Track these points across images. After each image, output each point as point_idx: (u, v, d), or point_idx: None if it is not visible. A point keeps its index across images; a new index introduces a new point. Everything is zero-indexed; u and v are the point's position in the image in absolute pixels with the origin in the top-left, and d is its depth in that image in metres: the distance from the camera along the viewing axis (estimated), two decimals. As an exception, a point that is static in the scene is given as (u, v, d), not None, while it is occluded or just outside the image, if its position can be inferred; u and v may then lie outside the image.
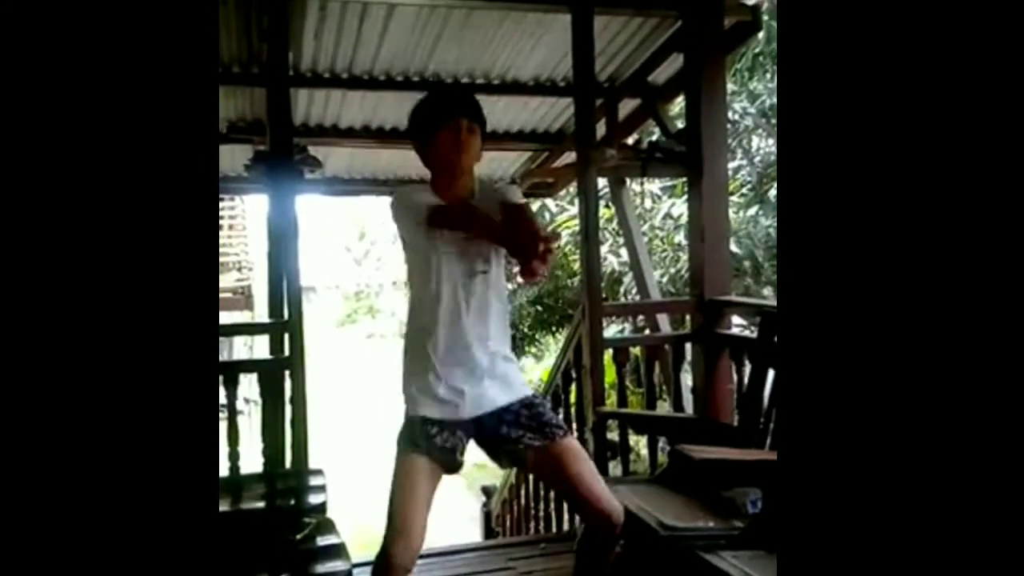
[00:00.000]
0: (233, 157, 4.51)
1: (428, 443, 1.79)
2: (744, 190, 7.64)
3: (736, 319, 3.53)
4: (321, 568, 1.96)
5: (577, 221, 5.66)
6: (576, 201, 6.69)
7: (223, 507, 2.27)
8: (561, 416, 3.72)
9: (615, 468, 3.46)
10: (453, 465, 1.83)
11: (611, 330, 6.93)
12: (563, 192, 7.20)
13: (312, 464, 2.66)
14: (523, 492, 4.27)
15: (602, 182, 4.72)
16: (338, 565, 1.97)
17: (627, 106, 4.28)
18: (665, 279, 7.41)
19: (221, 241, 9.95)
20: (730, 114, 6.96)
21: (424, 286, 1.85)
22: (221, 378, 2.68)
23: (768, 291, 7.03)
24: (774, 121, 7.05)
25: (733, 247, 6.02)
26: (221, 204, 9.56)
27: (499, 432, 1.86)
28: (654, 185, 8.18)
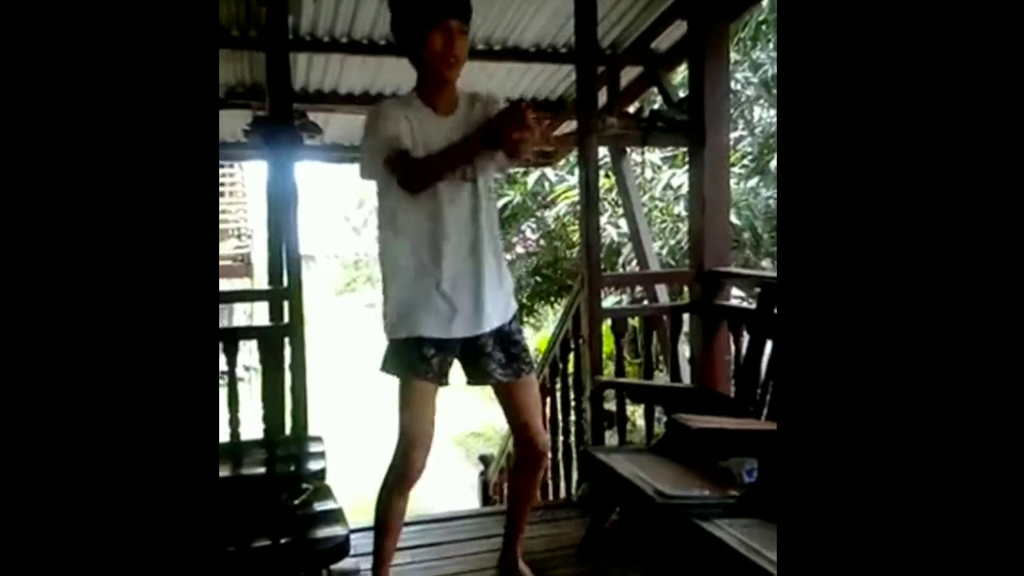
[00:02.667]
0: (232, 122, 4.47)
1: (426, 366, 1.89)
2: (745, 161, 7.59)
3: (735, 291, 3.53)
4: (319, 533, 1.98)
5: (576, 191, 5.64)
6: (576, 171, 6.66)
7: (224, 472, 2.28)
8: (559, 386, 3.73)
9: (611, 437, 3.48)
10: (444, 382, 1.96)
11: (609, 300, 6.93)
12: (563, 162, 7.16)
13: (311, 431, 2.68)
14: (520, 460, 4.29)
15: (602, 151, 4.69)
16: (336, 530, 1.99)
17: (629, 74, 4.23)
18: (664, 251, 7.40)
19: (220, 208, 9.91)
20: (732, 84, 6.89)
21: (412, 206, 1.84)
22: (221, 345, 2.68)
23: (767, 263, 7.02)
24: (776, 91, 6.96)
25: (733, 218, 6.00)
26: (220, 171, 9.51)
27: (477, 360, 1.98)
28: (655, 155, 8.13)
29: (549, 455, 2.17)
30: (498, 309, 1.93)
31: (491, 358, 1.97)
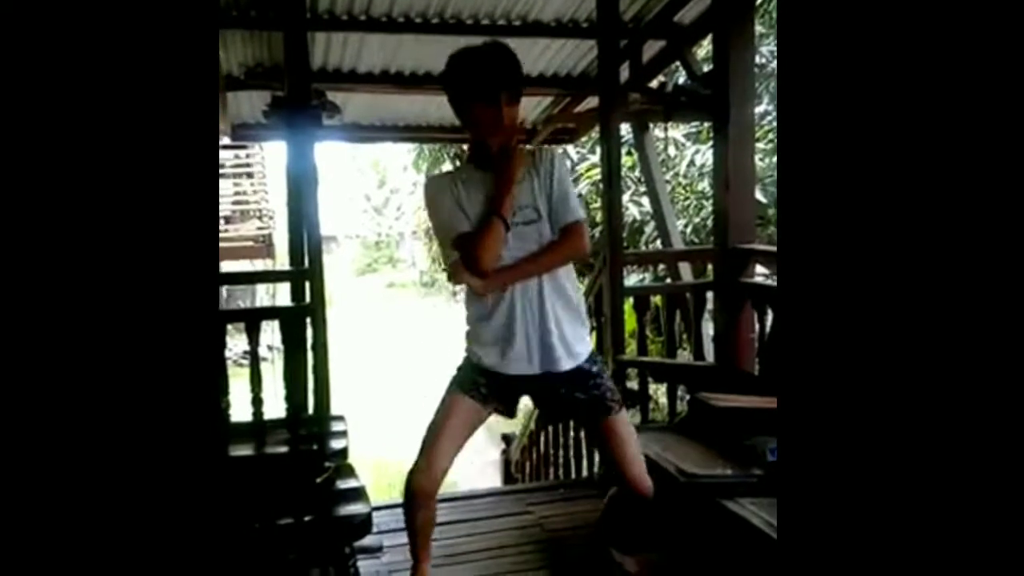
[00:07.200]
0: (251, 103, 4.48)
1: (474, 388, 1.88)
2: (771, 136, 7.46)
3: (759, 268, 3.49)
4: (342, 511, 2.00)
5: (598, 169, 5.58)
6: (598, 148, 6.59)
7: (247, 451, 2.31)
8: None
9: (634, 416, 3.46)
10: (491, 409, 1.92)
11: (632, 279, 6.90)
12: (584, 139, 7.09)
13: (334, 410, 2.69)
14: (542, 439, 4.31)
15: (625, 128, 4.63)
16: (359, 507, 2.01)
17: (652, 48, 4.16)
18: (688, 228, 7.33)
19: (241, 189, 9.97)
20: (758, 57, 6.77)
21: None
22: (244, 325, 2.70)
23: (792, 240, 6.92)
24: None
25: (758, 195, 5.92)
26: (240, 152, 9.55)
27: (553, 401, 1.94)
28: (678, 132, 8.03)
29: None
30: (558, 354, 1.84)
31: (569, 401, 1.90)
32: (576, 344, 1.88)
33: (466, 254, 1.78)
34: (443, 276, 16.13)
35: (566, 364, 1.86)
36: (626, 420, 1.95)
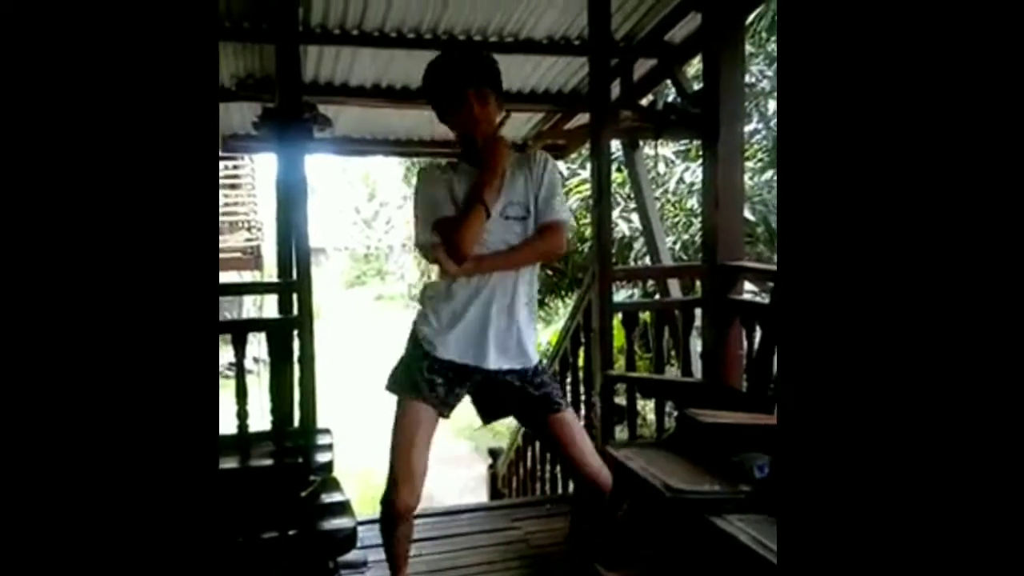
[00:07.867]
0: (242, 115, 4.47)
1: (430, 389, 1.87)
2: (760, 155, 7.53)
3: (747, 285, 3.50)
4: (327, 525, 1.98)
5: (588, 185, 5.61)
6: (588, 164, 6.61)
7: (232, 464, 2.29)
8: (569, 380, 3.73)
9: (622, 432, 3.47)
10: (445, 413, 1.92)
11: (621, 295, 6.91)
12: (575, 155, 7.13)
13: (320, 423, 2.67)
14: (529, 455, 4.30)
15: (615, 145, 4.66)
16: (343, 522, 1.99)
17: (643, 66, 4.19)
18: (677, 245, 7.36)
19: (231, 201, 9.94)
20: (747, 76, 6.84)
21: None
22: (231, 337, 2.68)
23: (780, 258, 6.95)
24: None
25: (747, 213, 5.95)
26: (231, 163, 9.53)
27: (504, 399, 1.96)
28: (668, 149, 8.09)
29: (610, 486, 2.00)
30: (507, 352, 1.89)
31: (521, 396, 1.93)
32: (525, 349, 1.94)
33: (447, 238, 1.81)
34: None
35: (528, 362, 1.93)
36: (574, 418, 2.01)
